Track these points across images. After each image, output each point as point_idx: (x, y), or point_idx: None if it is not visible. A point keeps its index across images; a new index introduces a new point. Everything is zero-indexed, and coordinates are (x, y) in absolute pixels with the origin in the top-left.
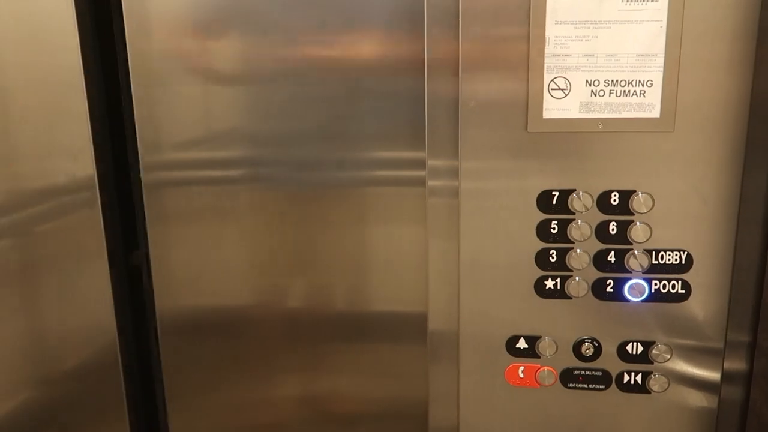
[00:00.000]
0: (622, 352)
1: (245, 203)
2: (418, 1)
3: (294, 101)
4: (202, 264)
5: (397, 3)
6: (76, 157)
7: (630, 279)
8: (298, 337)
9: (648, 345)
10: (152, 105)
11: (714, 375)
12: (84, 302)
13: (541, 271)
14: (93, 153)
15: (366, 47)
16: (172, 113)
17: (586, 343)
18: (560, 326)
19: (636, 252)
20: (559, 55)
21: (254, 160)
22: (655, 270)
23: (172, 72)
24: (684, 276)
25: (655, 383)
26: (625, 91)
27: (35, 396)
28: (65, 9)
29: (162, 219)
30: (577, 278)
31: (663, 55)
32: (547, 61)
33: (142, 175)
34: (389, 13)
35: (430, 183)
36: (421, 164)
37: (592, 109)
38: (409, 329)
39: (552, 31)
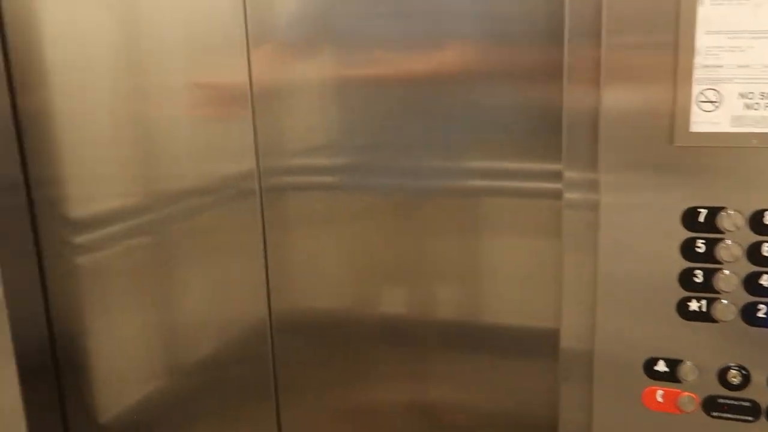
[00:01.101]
0: None
1: (361, 209)
2: (557, 10)
3: (417, 110)
4: (316, 267)
5: (534, 11)
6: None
7: None
8: (412, 345)
9: None
10: (271, 114)
11: None
12: (239, 292)
13: (684, 291)
14: (255, 151)
15: (494, 56)
16: (289, 122)
17: (733, 371)
18: (704, 350)
19: None
20: (709, 66)
21: (374, 167)
22: None
23: (288, 82)
24: None
25: None
26: None
27: (188, 382)
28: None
29: (280, 222)
30: (724, 301)
31: None
32: (697, 73)
33: (260, 179)
34: (525, 22)
35: (567, 195)
36: (553, 176)
37: (746, 123)
38: (536, 344)
39: (703, 41)
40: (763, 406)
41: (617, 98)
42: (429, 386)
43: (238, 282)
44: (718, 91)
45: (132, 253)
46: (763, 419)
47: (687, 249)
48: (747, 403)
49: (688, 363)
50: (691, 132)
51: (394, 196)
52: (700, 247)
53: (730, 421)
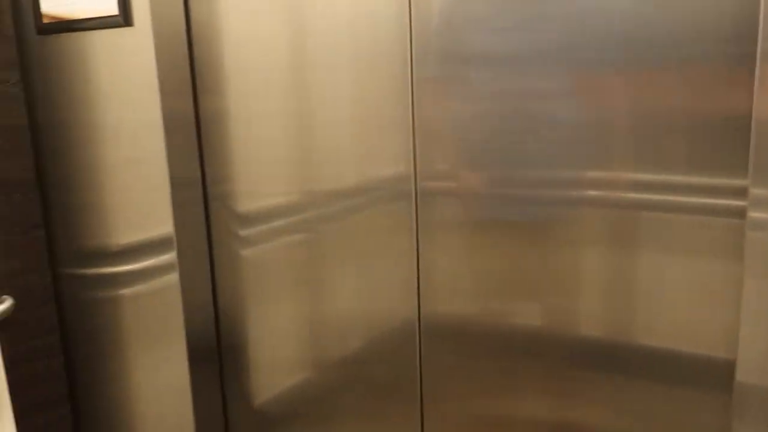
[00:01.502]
0: None
1: (516, 220)
2: (746, 20)
3: (581, 122)
4: (467, 274)
5: (720, 21)
6: (397, 161)
7: None
8: (560, 362)
9: None
10: (430, 121)
11: None
12: (390, 293)
13: None
14: (413, 155)
15: (675, 66)
16: (446, 129)
17: None
18: None
19: None
20: None
21: (529, 178)
22: None
23: (446, 93)
24: None
25: None
26: None
27: (335, 375)
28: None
29: (433, 226)
30: None
31: None
32: None
33: (416, 183)
34: (710, 32)
35: (752, 214)
36: (736, 192)
37: None
38: (705, 375)
39: None
40: None
41: None
42: (576, 406)
43: (389, 282)
44: None
45: (291, 247)
46: None
47: None
48: None
49: None
50: None
51: (549, 207)
52: None
53: None
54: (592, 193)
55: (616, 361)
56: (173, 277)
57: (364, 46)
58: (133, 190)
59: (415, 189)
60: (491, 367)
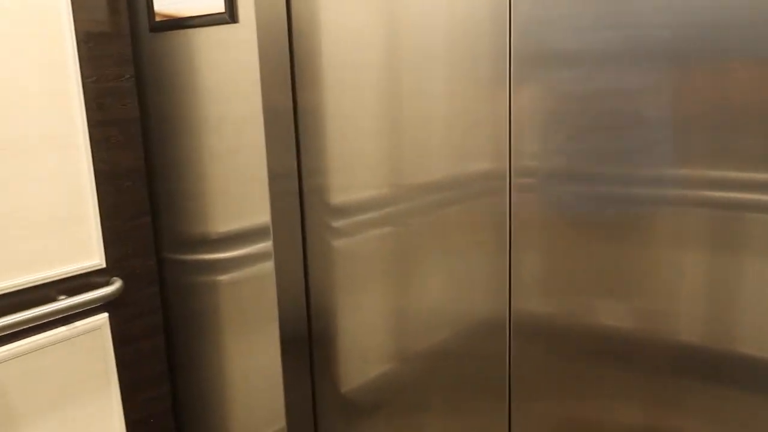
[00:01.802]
0: None
1: (610, 220)
2: None
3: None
4: (560, 273)
5: None
6: (494, 155)
7: None
8: (654, 367)
9: None
10: (527, 117)
11: None
12: (480, 289)
13: None
14: (508, 155)
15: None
16: (542, 125)
17: None
18: None
19: None
20: None
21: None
22: None
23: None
24: None
25: None
26: None
27: (422, 367)
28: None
29: (526, 223)
30: None
31: None
32: None
33: (511, 179)
34: None
35: None
36: None
37: None
38: None
39: None
40: None
41: None
42: (669, 415)
43: (479, 278)
44: None
45: (381, 240)
46: None
47: None
48: None
49: None
50: None
51: (647, 205)
52: None
53: None
54: (692, 192)
55: (714, 369)
56: (268, 266)
57: (462, 42)
58: (233, 180)
59: (510, 185)
60: (583, 369)
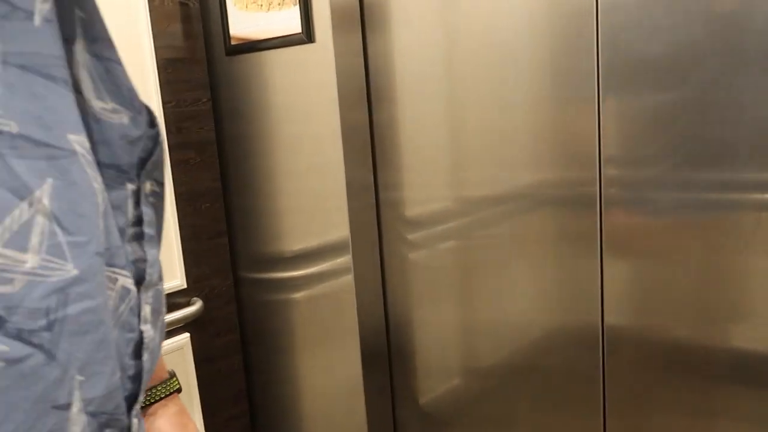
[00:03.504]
0: None
1: (707, 230)
2: None
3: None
4: (654, 287)
5: None
6: (583, 164)
7: None
8: (759, 385)
9: None
10: (617, 121)
11: None
12: (570, 302)
13: None
14: (597, 159)
15: None
16: (633, 133)
17: None
18: None
19: None
20: None
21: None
22: None
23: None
24: None
25: None
26: None
27: (507, 381)
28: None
29: (618, 234)
30: None
31: None
32: None
33: (601, 189)
34: None
35: None
36: None
37: None
38: None
39: None
40: None
41: None
42: None
43: (568, 290)
44: None
45: (460, 251)
46: None
47: None
48: None
49: None
50: None
51: (749, 213)
52: None
53: None
54: None
55: None
56: (344, 281)
57: (545, 50)
58: (308, 198)
59: (600, 194)
60: (681, 386)
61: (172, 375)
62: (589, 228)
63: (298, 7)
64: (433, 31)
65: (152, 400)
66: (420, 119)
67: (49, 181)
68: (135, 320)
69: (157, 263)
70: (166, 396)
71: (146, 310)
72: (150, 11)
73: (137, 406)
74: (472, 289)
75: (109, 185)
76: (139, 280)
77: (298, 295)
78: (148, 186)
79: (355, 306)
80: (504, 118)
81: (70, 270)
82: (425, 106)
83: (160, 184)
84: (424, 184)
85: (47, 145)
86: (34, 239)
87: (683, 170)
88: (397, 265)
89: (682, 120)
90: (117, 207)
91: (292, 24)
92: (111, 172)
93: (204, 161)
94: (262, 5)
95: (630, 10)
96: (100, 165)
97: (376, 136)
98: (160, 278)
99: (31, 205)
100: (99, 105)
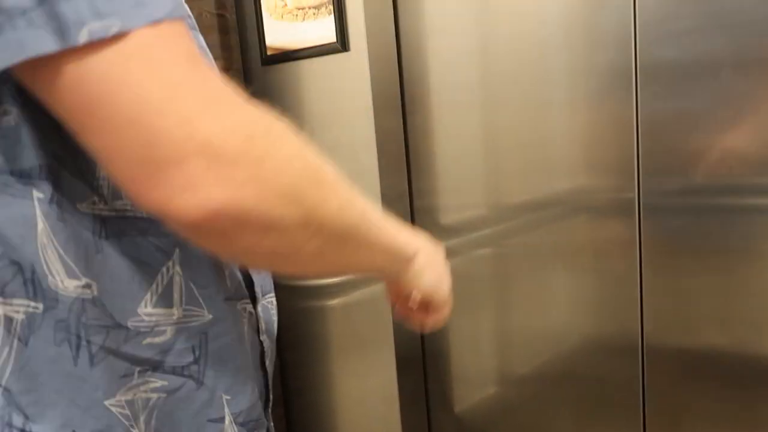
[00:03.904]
0: None
1: (748, 240)
2: None
3: None
4: (694, 297)
5: None
6: (621, 171)
7: None
8: None
9: None
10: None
11: None
12: (608, 311)
13: None
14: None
15: None
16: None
17: None
18: None
19: None
20: None
21: None
22: None
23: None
24: None
25: None
26: None
27: (544, 390)
28: None
29: (658, 244)
30: None
31: None
32: None
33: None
34: None
35: None
36: None
37: None
38: None
39: None
40: None
41: None
42: None
43: (607, 300)
44: None
45: (496, 259)
46: None
47: None
48: None
49: None
50: None
51: None
52: None
53: None
54: None
55: None
56: (380, 287)
57: (582, 56)
58: None
59: (639, 204)
60: (723, 397)
61: None
62: (628, 236)
63: (333, 16)
64: (467, 38)
65: None
66: (455, 125)
67: (177, 249)
68: (256, 336)
69: (259, 279)
70: None
71: (261, 323)
72: None
73: (270, 407)
74: (509, 296)
75: None
76: (254, 301)
77: (333, 302)
78: None
79: (391, 315)
80: (539, 124)
81: (206, 315)
82: (460, 113)
83: None
84: (459, 191)
85: None
86: (176, 295)
87: (725, 177)
88: None
89: (724, 126)
90: None
91: (327, 33)
92: None
93: None
94: (297, 15)
95: (668, 12)
96: None
97: (411, 143)
98: (264, 293)
99: (170, 268)
100: None
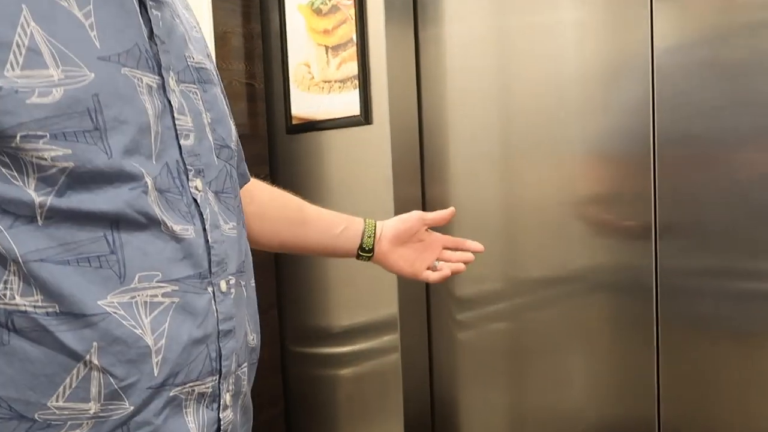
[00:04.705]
0: None
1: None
2: None
3: None
4: (715, 381)
5: None
6: (639, 251)
7: None
8: None
9: None
10: (672, 213)
11: None
12: (623, 391)
13: None
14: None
15: None
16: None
17: None
18: None
19: None
20: None
21: None
22: None
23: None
24: None
25: None
26: None
27: None
28: None
29: (675, 324)
30: None
31: None
32: None
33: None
34: None
35: None
36: None
37: None
38: None
39: None
40: None
41: None
42: None
43: (623, 381)
44: None
45: (509, 334)
46: None
47: None
48: None
49: None
50: None
51: None
52: None
53: None
54: None
55: None
56: (392, 359)
57: (598, 129)
58: (358, 273)
59: (656, 282)
60: None
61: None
62: (645, 316)
63: (357, 90)
64: (487, 113)
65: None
66: (473, 197)
67: (94, 344)
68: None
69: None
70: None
71: (226, 397)
72: None
73: None
74: (522, 373)
75: None
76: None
77: (344, 372)
78: None
79: (401, 386)
80: (558, 198)
81: (128, 407)
82: (478, 184)
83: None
84: (475, 263)
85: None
86: (94, 390)
87: (747, 260)
88: (446, 345)
89: (743, 204)
90: None
91: (352, 106)
92: None
93: None
94: (323, 88)
95: (685, 80)
96: None
97: (429, 211)
98: (238, 365)
99: (86, 364)
100: None
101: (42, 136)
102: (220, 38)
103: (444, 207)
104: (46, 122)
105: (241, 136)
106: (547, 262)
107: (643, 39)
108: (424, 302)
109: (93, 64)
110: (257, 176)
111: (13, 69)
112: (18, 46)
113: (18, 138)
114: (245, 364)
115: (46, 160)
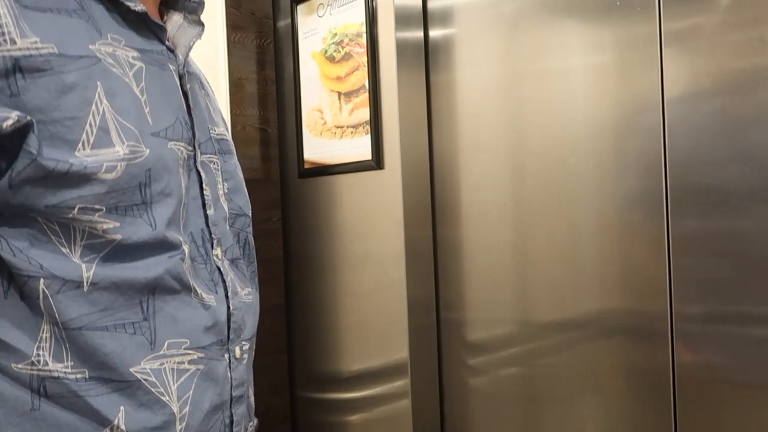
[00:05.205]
0: None
1: None
2: None
3: None
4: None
5: None
6: (653, 295)
7: None
8: None
9: None
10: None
11: None
12: None
13: None
14: (668, 290)
15: None
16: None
17: None
18: None
19: None
20: None
21: None
22: None
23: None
24: None
25: None
26: None
27: None
28: None
29: (692, 373)
30: None
31: None
32: None
33: (673, 324)
34: None
35: None
36: None
37: None
38: None
39: None
40: None
41: None
42: None
43: (638, 429)
44: None
45: (523, 380)
46: None
47: None
48: None
49: None
50: None
51: None
52: None
53: None
54: None
55: None
56: (402, 405)
57: (611, 181)
58: (369, 317)
59: (671, 328)
60: None
61: None
62: (660, 363)
63: (369, 136)
64: (499, 158)
65: None
66: (484, 242)
67: (122, 408)
68: None
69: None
70: None
71: None
72: (233, 136)
73: None
74: (535, 420)
75: None
76: None
77: (353, 418)
78: None
79: (411, 429)
80: (570, 244)
81: None
82: (490, 229)
83: None
84: (487, 306)
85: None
86: None
87: (763, 305)
88: (457, 392)
89: (757, 254)
90: None
91: (363, 151)
92: None
93: (270, 277)
94: (335, 133)
95: (697, 131)
96: None
97: (440, 255)
98: (245, 429)
99: (112, 430)
100: None
101: (99, 210)
102: (234, 84)
103: (455, 251)
104: (105, 197)
105: (255, 181)
106: (559, 306)
107: (653, 85)
108: (435, 347)
109: (148, 140)
110: (270, 220)
111: (84, 148)
112: (90, 126)
113: (76, 210)
114: (251, 425)
115: (98, 231)
